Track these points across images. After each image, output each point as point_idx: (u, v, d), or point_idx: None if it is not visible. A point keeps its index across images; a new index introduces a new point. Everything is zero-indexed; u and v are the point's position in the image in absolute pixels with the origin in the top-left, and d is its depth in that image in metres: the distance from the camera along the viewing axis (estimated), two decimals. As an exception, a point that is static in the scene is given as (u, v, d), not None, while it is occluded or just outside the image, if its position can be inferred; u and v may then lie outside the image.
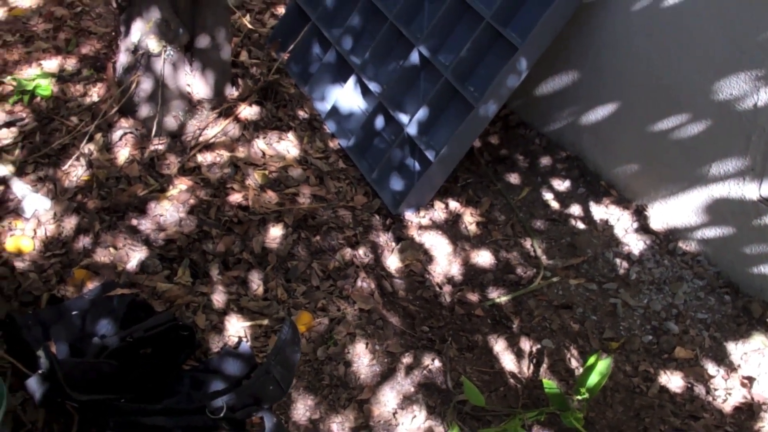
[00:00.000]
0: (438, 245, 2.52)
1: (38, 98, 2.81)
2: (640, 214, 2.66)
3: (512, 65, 2.45)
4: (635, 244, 2.56)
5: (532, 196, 2.73)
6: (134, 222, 2.39)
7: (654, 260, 2.50)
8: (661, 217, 2.60)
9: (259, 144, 2.72)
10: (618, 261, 2.51)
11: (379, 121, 2.78)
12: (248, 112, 2.81)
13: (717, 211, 2.39)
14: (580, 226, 2.64)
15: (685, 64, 2.35)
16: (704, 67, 2.29)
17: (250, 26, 3.17)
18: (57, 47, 3.12)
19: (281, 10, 3.51)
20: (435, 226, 2.59)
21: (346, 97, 2.89)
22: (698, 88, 2.32)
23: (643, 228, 2.61)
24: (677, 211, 2.52)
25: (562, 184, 2.77)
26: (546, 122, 2.92)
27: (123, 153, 2.60)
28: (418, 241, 2.52)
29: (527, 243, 2.56)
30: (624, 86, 2.59)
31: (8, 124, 2.70)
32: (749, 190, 2.27)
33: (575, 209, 2.69)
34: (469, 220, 2.61)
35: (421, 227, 2.57)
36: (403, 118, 2.69)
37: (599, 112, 2.71)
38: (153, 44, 2.54)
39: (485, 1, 2.61)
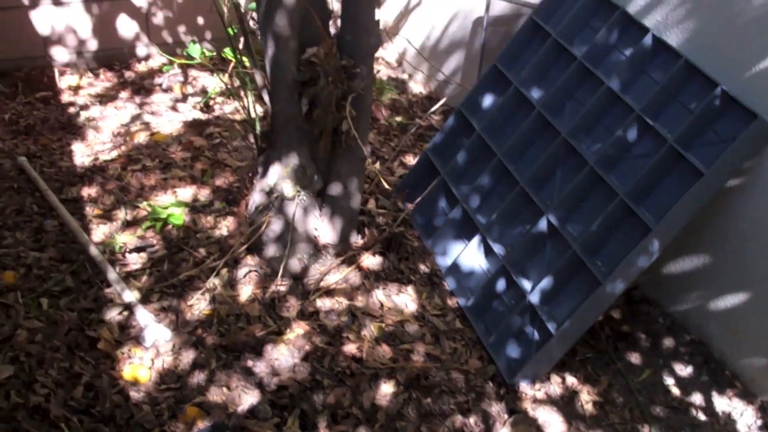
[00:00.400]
0: (552, 422, 2.43)
1: (170, 226, 2.90)
2: (765, 411, 2.52)
3: (644, 246, 2.41)
4: (759, 443, 2.43)
5: (653, 379, 2.63)
6: (249, 363, 2.39)
7: (781, 464, 2.36)
8: (790, 417, 2.46)
9: (378, 295, 2.72)
10: (742, 460, 2.38)
11: (501, 284, 2.75)
12: (371, 261, 2.83)
13: None
14: (701, 417, 2.51)
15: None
16: None
17: (380, 176, 3.22)
18: (192, 176, 3.23)
19: (410, 159, 3.57)
20: (550, 401, 2.50)
21: (469, 255, 2.89)
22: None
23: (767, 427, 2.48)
24: (810, 414, 2.39)
25: (684, 370, 2.67)
26: (672, 302, 2.84)
27: (246, 291, 2.64)
28: (531, 416, 2.44)
29: (645, 430, 2.45)
30: (757, 277, 2.50)
31: (138, 249, 2.79)
32: None
33: (697, 398, 2.57)
34: (586, 399, 2.52)
35: (535, 401, 2.49)
36: (526, 284, 2.66)
37: (729, 300, 2.62)
38: (288, 189, 2.60)
39: (620, 177, 2.60)
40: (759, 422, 2.49)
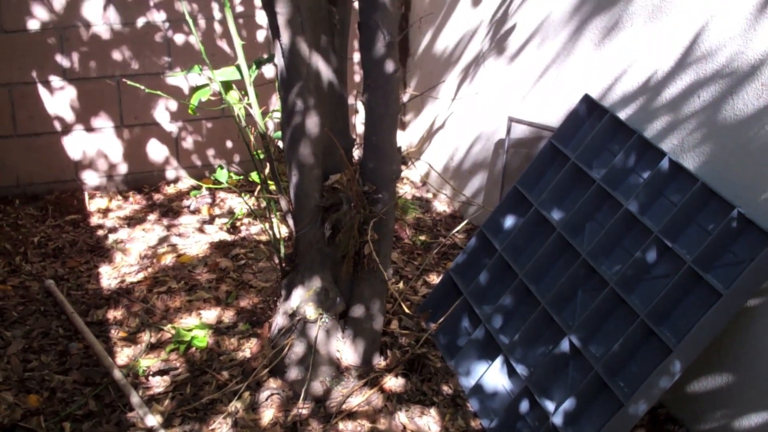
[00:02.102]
0: None
1: (193, 348, 2.93)
2: None
3: (665, 367, 2.41)
4: None
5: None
6: (271, 488, 2.38)
7: None
8: None
9: (401, 417, 2.71)
10: None
11: (524, 405, 2.74)
12: (393, 383, 2.83)
13: None
14: None
15: None
16: None
17: (400, 300, 3.25)
18: (217, 298, 3.28)
19: (434, 278, 3.60)
20: None
21: (492, 376, 2.89)
22: None
23: None
24: None
25: (714, 494, 2.62)
26: (697, 421, 2.80)
27: (267, 414, 2.64)
28: None
29: None
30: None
31: (162, 373, 2.81)
32: None
33: None
34: None
35: None
36: (549, 405, 2.64)
37: (753, 419, 2.58)
38: (311, 311, 2.64)
39: (640, 298, 2.61)
40: None
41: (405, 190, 4.57)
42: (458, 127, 4.34)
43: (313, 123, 2.49)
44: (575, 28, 3.29)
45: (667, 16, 2.81)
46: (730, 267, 2.46)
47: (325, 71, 2.54)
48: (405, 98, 4.87)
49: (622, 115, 3.02)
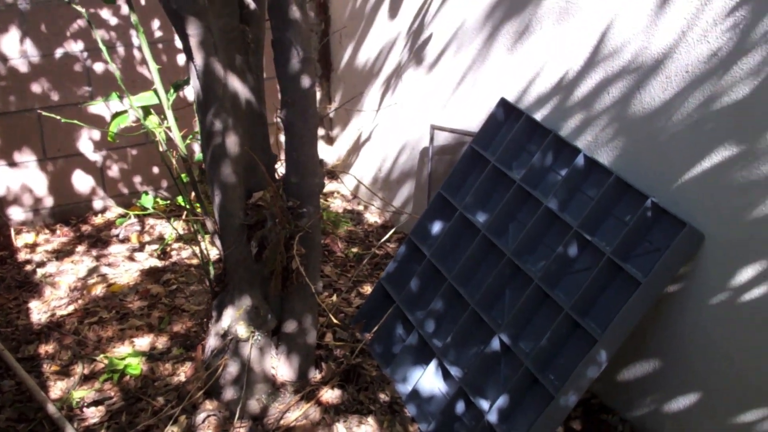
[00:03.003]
0: None
1: (128, 377, 2.91)
2: None
3: (592, 357, 2.47)
4: None
5: (618, 488, 2.65)
6: None
7: None
8: None
9: (340, 429, 2.73)
10: None
11: (460, 406, 2.78)
12: (330, 395, 2.85)
13: None
14: None
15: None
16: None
17: (329, 312, 3.27)
18: (150, 325, 3.27)
19: (368, 289, 3.63)
20: None
21: (428, 380, 2.92)
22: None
23: None
24: None
25: (648, 477, 2.68)
26: (628, 408, 2.87)
27: (205, 435, 2.64)
28: None
29: None
30: (703, 377, 2.56)
31: (96, 403, 2.79)
32: None
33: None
34: None
35: None
36: (484, 404, 2.69)
37: (681, 401, 2.66)
38: (242, 330, 2.64)
39: (565, 291, 2.68)
40: None
41: (336, 203, 4.60)
42: (384, 138, 4.39)
43: (232, 142, 2.51)
44: (488, 35, 3.36)
45: (574, 17, 2.89)
46: (648, 255, 2.54)
47: (242, 90, 2.56)
48: (331, 113, 4.91)
49: (538, 115, 3.09)
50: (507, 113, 3.19)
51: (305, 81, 2.53)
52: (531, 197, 2.93)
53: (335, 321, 2.98)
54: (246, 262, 2.65)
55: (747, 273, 2.37)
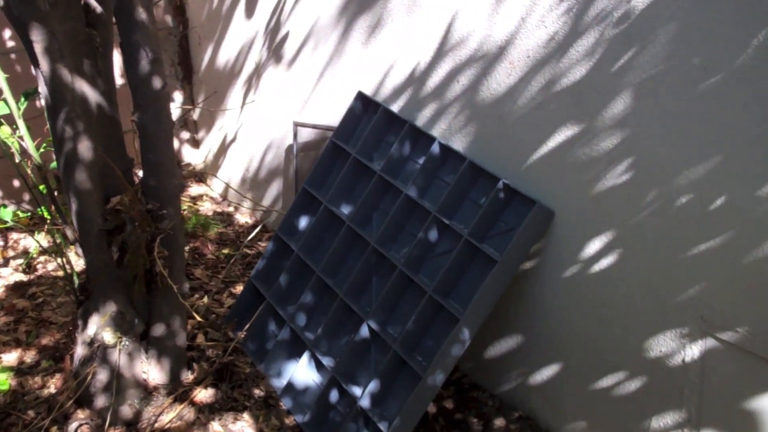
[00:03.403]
0: None
1: (-4, 393, 2.85)
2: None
3: (455, 335, 2.55)
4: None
5: (489, 461, 2.75)
6: None
7: None
8: (617, 475, 2.62)
9: (215, 427, 2.74)
10: None
11: (333, 395, 2.83)
12: (204, 394, 2.85)
13: (668, 467, 2.43)
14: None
15: (616, 328, 2.47)
16: (633, 328, 2.41)
17: (193, 311, 3.27)
18: (17, 339, 3.19)
19: (240, 289, 3.64)
20: (393, 500, 2.57)
21: (301, 372, 2.96)
22: (631, 348, 2.43)
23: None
24: (631, 468, 2.55)
25: (517, 447, 2.80)
26: (497, 384, 2.98)
27: (78, 445, 2.61)
28: None
29: None
30: (562, 349, 2.69)
31: (-36, 423, 2.72)
32: (694, 445, 2.31)
33: (532, 471, 2.71)
34: (427, 492, 2.60)
35: (378, 503, 2.55)
36: (356, 390, 2.74)
37: (544, 373, 2.79)
38: (109, 337, 2.62)
39: (428, 275, 2.76)
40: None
41: (206, 206, 4.58)
42: (249, 138, 4.39)
43: (85, 148, 2.48)
44: (343, 30, 3.42)
45: (422, 9, 2.97)
46: (503, 235, 2.65)
47: (92, 95, 2.54)
48: (195, 114, 4.88)
49: (395, 107, 3.17)
50: (365, 106, 3.25)
51: (156, 82, 2.53)
52: (392, 187, 3.00)
53: (198, 318, 2.98)
54: (108, 267, 2.62)
55: (594, 246, 2.51)
